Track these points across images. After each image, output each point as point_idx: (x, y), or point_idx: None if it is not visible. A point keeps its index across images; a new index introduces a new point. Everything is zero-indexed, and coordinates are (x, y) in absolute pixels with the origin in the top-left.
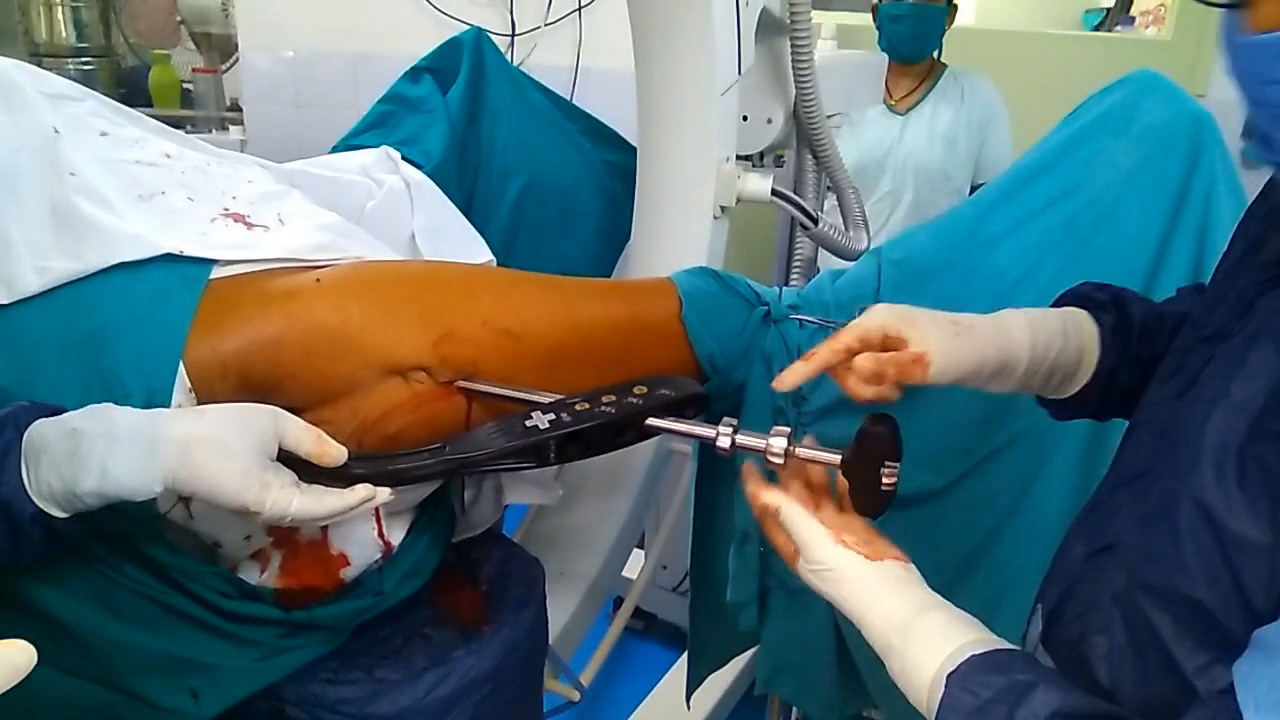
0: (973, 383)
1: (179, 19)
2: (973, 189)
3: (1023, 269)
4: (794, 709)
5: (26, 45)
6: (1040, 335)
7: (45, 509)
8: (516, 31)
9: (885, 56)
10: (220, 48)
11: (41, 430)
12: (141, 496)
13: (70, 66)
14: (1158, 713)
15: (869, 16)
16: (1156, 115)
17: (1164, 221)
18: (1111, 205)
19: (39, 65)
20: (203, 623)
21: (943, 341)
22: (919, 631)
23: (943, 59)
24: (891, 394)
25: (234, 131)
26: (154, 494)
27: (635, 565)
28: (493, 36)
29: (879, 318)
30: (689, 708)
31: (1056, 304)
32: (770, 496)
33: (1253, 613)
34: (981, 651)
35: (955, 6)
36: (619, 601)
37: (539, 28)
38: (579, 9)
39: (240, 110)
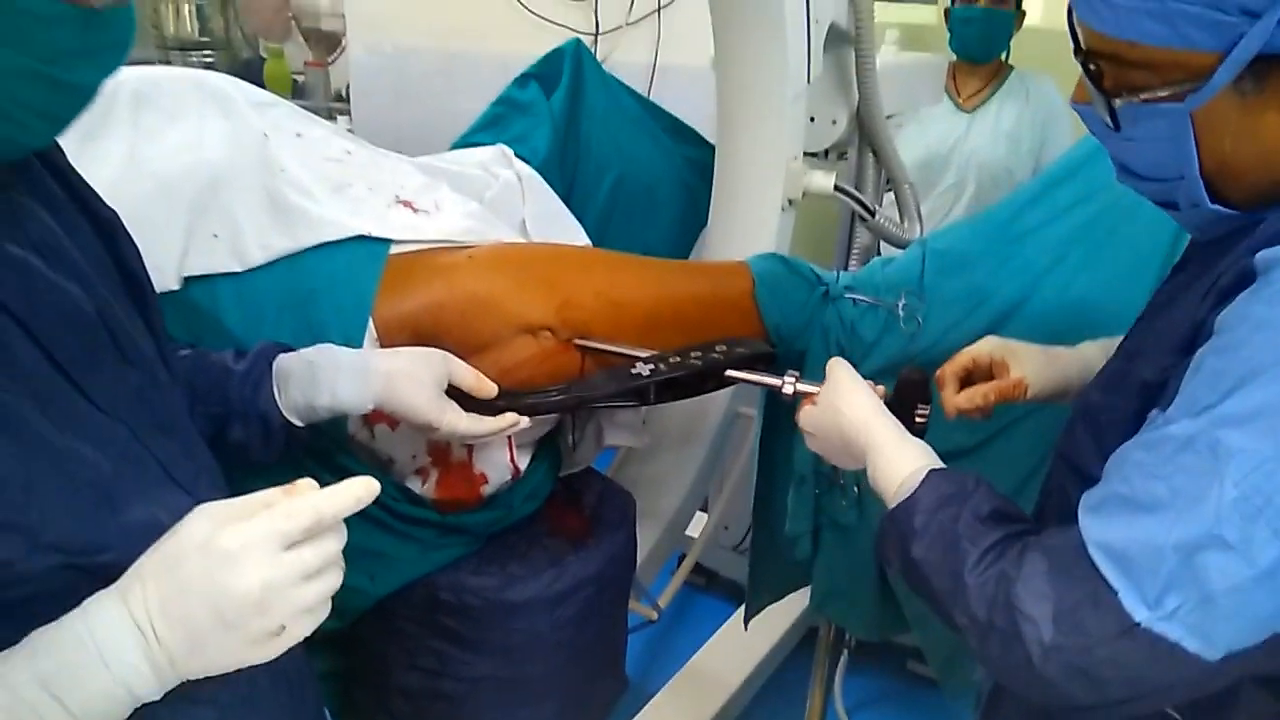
0: (1064, 400)
1: (290, 14)
2: None
3: (1048, 260)
4: (846, 636)
5: (156, 39)
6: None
7: (291, 419)
8: (600, 30)
9: (945, 58)
10: (326, 41)
11: (285, 361)
12: (359, 411)
13: (194, 58)
14: None
15: (933, 12)
16: None
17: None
18: (1132, 205)
19: (166, 56)
20: (380, 521)
21: (1037, 369)
22: (898, 450)
23: (1010, 60)
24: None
25: (341, 121)
26: (368, 410)
27: (698, 526)
28: (577, 35)
29: (988, 347)
30: (745, 628)
31: None
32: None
33: None
34: (940, 469)
35: (1024, 12)
36: (682, 558)
37: (621, 27)
38: (659, 9)
39: (345, 100)
